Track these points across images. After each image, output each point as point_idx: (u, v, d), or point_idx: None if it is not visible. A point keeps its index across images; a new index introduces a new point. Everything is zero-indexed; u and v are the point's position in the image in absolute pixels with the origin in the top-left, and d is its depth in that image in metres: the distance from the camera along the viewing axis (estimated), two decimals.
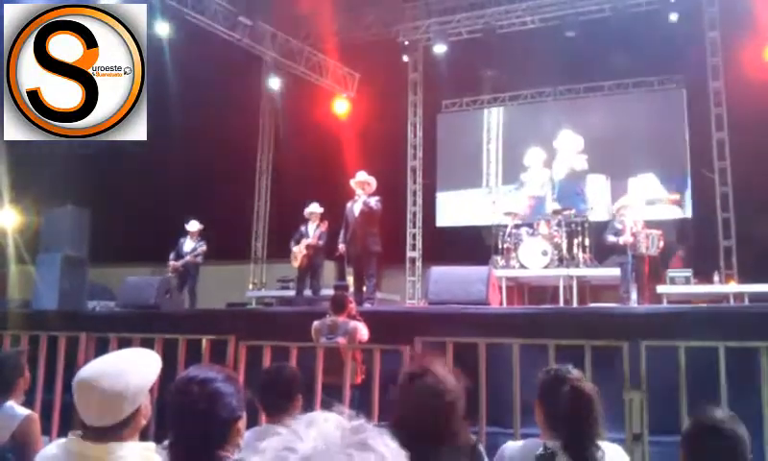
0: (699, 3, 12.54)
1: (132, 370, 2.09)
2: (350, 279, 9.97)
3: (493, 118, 15.25)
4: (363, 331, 6.02)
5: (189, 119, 13.47)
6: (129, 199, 14.31)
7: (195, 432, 1.88)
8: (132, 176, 14.03)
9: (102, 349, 5.58)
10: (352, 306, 6.32)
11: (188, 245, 10.51)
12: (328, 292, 11.77)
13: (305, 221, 9.92)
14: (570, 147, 14.12)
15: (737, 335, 4.65)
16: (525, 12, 13.42)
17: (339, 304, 6.20)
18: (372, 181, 8.78)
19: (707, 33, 12.68)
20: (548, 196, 13.99)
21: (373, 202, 8.60)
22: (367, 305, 8.24)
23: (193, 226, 10.65)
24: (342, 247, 8.88)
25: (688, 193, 13.11)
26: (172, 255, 10.46)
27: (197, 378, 1.92)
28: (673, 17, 12.13)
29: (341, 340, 5.89)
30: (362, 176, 8.76)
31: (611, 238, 9.08)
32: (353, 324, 6.04)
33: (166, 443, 1.97)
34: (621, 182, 13.19)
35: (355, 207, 8.67)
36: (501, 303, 9.32)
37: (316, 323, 6.11)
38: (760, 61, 11.78)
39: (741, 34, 11.78)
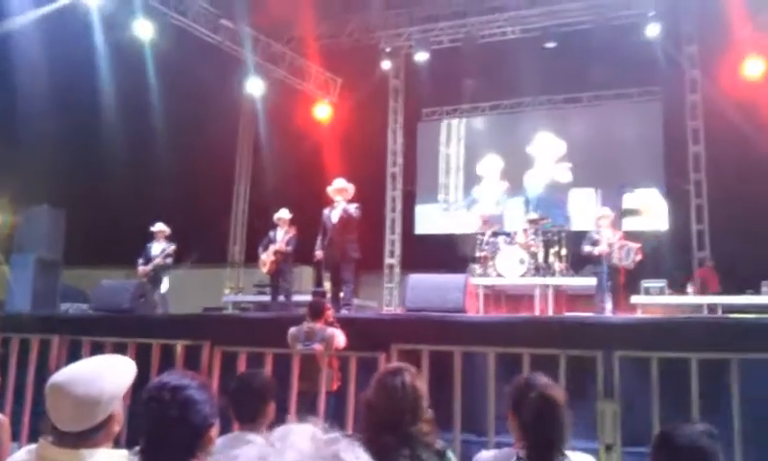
0: (678, 16, 12.74)
1: (106, 375, 2.08)
2: (328, 285, 9.94)
3: (454, 128, 15.40)
4: (340, 338, 6.01)
5: (168, 121, 13.41)
6: (105, 201, 14.17)
7: (167, 439, 1.87)
8: (109, 177, 13.92)
9: (74, 352, 5.53)
10: (330, 313, 6.30)
11: (156, 248, 10.28)
12: (304, 298, 11.76)
13: (275, 226, 9.85)
14: (549, 153, 14.20)
15: (710, 347, 4.71)
16: (507, 22, 13.54)
17: (316, 311, 6.18)
18: (351, 188, 8.76)
19: (684, 47, 12.89)
20: (505, 214, 14.06)
21: (353, 208, 8.59)
22: (344, 312, 8.23)
23: (158, 227, 10.47)
24: (319, 253, 8.85)
25: (664, 205, 13.31)
26: (140, 261, 10.23)
27: (169, 385, 1.91)
28: (652, 31, 12.30)
29: (317, 347, 5.87)
30: (340, 183, 8.73)
31: (587, 248, 9.20)
32: (330, 330, 6.02)
33: (137, 448, 1.95)
34: (612, 196, 13.31)
35: (333, 214, 8.63)
36: (478, 311, 9.36)
37: (292, 329, 6.09)
38: (737, 77, 11.98)
39: (718, 49, 11.99)
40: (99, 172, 14.00)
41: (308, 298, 11.96)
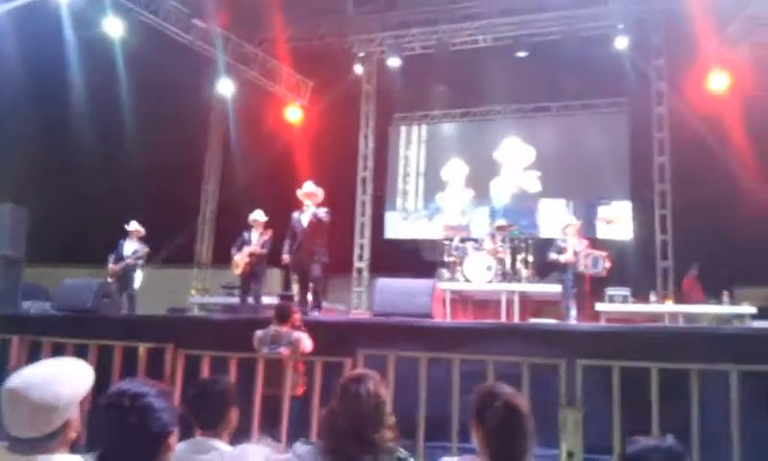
0: (646, 29, 12.97)
1: (63, 380, 2.05)
2: (296, 288, 9.92)
3: (415, 133, 15.47)
4: (306, 342, 5.99)
5: (138, 119, 13.28)
6: (72, 198, 13.95)
7: (125, 446, 1.85)
8: (77, 174, 13.72)
9: (35, 353, 5.44)
10: (297, 317, 6.28)
11: (128, 247, 10.17)
12: (273, 301, 11.67)
13: (249, 227, 9.79)
14: (517, 159, 14.29)
15: (670, 357, 4.79)
16: (478, 30, 13.64)
17: (283, 314, 6.15)
18: (320, 193, 8.76)
19: (652, 60, 13.12)
20: (472, 225, 14.11)
21: (323, 213, 8.58)
22: (315, 314, 8.25)
23: (133, 226, 10.36)
24: (286, 257, 8.83)
25: (629, 214, 13.53)
26: (111, 259, 10.10)
27: (129, 392, 1.89)
28: (620, 43, 12.50)
29: (283, 350, 5.85)
30: (310, 187, 8.72)
31: (553, 256, 9.34)
32: (296, 334, 6.00)
33: (95, 454, 1.93)
34: (581, 206, 13.47)
35: (303, 218, 8.62)
36: (445, 316, 9.40)
37: (258, 332, 6.05)
38: (702, 90, 12.22)
39: (685, 62, 12.23)
40: (66, 169, 13.79)
41: (276, 301, 11.93)
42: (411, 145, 15.44)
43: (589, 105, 14.14)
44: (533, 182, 14.18)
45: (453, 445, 4.51)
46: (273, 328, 6.04)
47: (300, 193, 8.72)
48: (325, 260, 8.83)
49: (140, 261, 10.17)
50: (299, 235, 8.63)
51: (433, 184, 15.05)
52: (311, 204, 8.60)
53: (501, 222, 11.82)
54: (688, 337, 6.18)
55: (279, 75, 14.89)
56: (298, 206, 8.84)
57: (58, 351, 5.27)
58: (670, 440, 2.10)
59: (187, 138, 14.64)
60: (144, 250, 10.18)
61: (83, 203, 13.84)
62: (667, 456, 2.05)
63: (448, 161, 14.96)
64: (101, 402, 1.91)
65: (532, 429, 2.49)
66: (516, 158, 14.34)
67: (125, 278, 10.03)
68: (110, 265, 10.04)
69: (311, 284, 8.90)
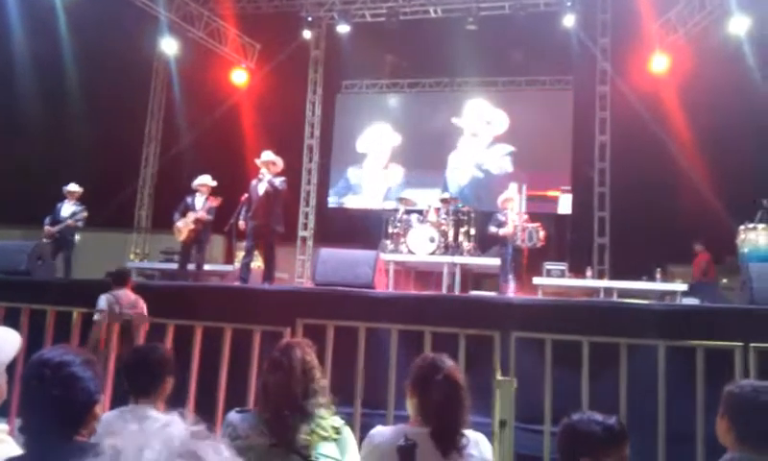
0: (593, 9, 13.13)
1: None
2: (239, 255, 9.83)
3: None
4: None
5: (77, 76, 12.84)
6: (3, 157, 13.42)
7: (49, 418, 1.82)
8: (9, 133, 13.20)
9: None
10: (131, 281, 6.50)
11: (66, 209, 9.91)
12: (217, 268, 11.53)
13: (192, 192, 9.57)
14: (484, 122, 14.32)
15: (601, 331, 4.93)
16: (429, 1, 13.59)
17: (126, 278, 6.36)
18: (279, 162, 8.68)
19: (598, 38, 13.31)
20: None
21: (278, 182, 8.50)
22: (265, 286, 8.20)
23: (72, 188, 10.08)
24: (242, 223, 8.73)
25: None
26: (47, 220, 9.82)
27: (51, 362, 1.85)
28: (568, 21, 12.61)
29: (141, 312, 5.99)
30: (268, 155, 8.62)
31: (492, 229, 9.49)
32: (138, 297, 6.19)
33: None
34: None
35: (260, 187, 8.53)
36: (387, 287, 9.48)
37: (116, 294, 6.04)
38: (645, 72, 12.49)
39: (630, 43, 12.47)
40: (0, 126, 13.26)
41: (219, 268, 11.79)
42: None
43: (535, 81, 14.31)
44: (500, 160, 14.20)
45: (390, 412, 4.58)
46: (124, 292, 6.13)
47: (258, 161, 8.61)
48: (281, 230, 8.79)
49: (80, 223, 9.92)
50: (254, 203, 8.55)
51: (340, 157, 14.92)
52: (267, 172, 8.49)
53: (445, 195, 11.91)
54: (619, 312, 6.37)
55: (226, 36, 14.58)
56: (243, 168, 8.74)
57: None
58: (614, 420, 2.15)
59: (128, 98, 14.22)
60: (83, 212, 9.92)
61: (17, 162, 13.33)
62: (606, 433, 2.09)
63: (366, 128, 14.86)
64: (23, 374, 1.87)
65: (468, 402, 2.58)
66: (485, 122, 14.34)
67: (62, 240, 9.77)
68: (47, 227, 9.76)
69: (263, 254, 8.86)
